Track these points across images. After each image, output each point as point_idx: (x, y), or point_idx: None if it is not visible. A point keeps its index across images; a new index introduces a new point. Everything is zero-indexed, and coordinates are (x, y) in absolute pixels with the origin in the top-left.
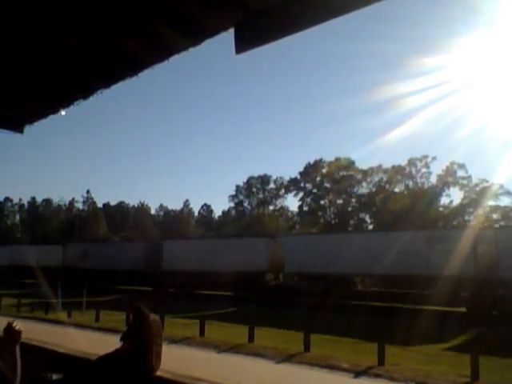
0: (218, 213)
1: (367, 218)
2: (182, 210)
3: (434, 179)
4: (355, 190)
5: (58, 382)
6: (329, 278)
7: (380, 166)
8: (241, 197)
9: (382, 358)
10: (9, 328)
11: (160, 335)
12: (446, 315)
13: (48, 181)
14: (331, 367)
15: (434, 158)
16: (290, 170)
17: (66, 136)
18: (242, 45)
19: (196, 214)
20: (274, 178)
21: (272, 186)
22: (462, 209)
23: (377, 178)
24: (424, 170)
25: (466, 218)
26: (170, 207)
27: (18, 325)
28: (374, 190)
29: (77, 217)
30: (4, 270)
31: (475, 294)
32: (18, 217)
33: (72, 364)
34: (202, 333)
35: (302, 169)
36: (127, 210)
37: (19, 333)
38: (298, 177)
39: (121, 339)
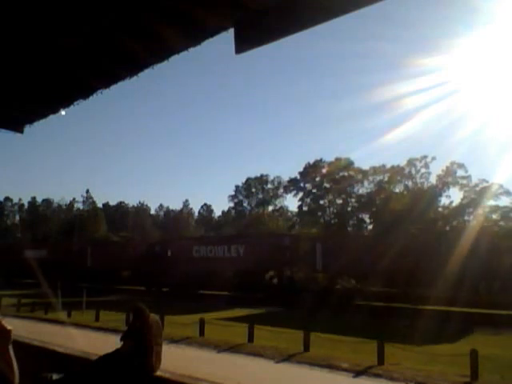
0: (217, 213)
1: (367, 218)
2: (182, 210)
3: (433, 179)
4: (355, 190)
5: (58, 382)
6: None
7: (380, 166)
8: (240, 197)
9: (382, 358)
10: None
11: (160, 335)
12: None
13: (48, 181)
14: (331, 367)
15: (433, 158)
16: (290, 170)
17: (66, 136)
18: (242, 45)
19: (196, 214)
20: (271, 178)
21: (270, 186)
22: (462, 209)
23: (376, 178)
24: (423, 170)
25: (466, 218)
26: (170, 207)
27: (6, 323)
28: (373, 190)
29: (77, 217)
30: None
31: None
32: (17, 217)
33: (72, 364)
34: (201, 333)
35: (301, 169)
36: (127, 210)
37: (9, 331)
38: (298, 177)
39: (121, 339)
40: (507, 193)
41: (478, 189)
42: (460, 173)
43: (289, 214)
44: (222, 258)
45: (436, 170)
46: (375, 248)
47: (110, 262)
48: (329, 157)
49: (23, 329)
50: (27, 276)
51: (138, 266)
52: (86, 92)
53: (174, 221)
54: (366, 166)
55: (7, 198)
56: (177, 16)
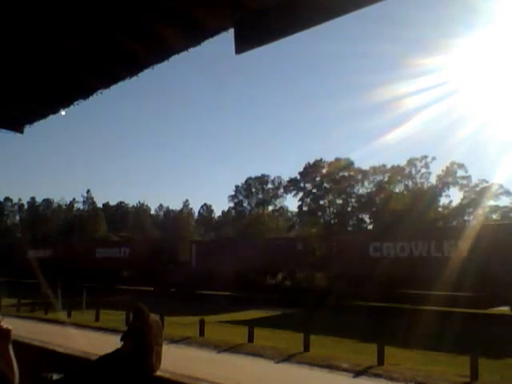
0: (218, 213)
1: (366, 218)
2: (182, 210)
3: (433, 179)
4: (355, 190)
5: (58, 382)
6: None
7: (380, 166)
8: (240, 197)
9: (382, 358)
10: None
11: (160, 335)
12: None
13: (48, 181)
14: (331, 367)
15: (433, 158)
16: (290, 170)
17: (66, 136)
18: (242, 45)
19: (196, 214)
20: (271, 178)
21: (270, 186)
22: (462, 209)
23: (376, 178)
24: (424, 170)
25: (466, 218)
26: (170, 207)
27: (6, 323)
28: (373, 190)
29: (77, 217)
30: None
31: None
32: (17, 217)
33: (72, 364)
34: (201, 333)
35: (301, 169)
36: (127, 210)
37: (9, 331)
38: (298, 177)
39: (121, 339)
40: (507, 193)
41: (478, 189)
42: (460, 173)
43: (289, 214)
44: (426, 259)
45: (436, 170)
46: None
47: (231, 262)
48: (329, 157)
49: (23, 329)
50: (102, 280)
51: (262, 268)
52: (85, 92)
53: (173, 221)
54: (365, 166)
55: (7, 198)
56: (177, 16)
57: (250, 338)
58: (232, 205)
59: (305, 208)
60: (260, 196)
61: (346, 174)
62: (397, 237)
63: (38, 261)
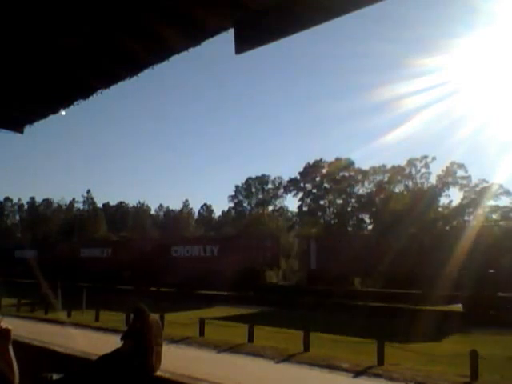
0: (218, 213)
1: (366, 219)
2: (182, 210)
3: (433, 179)
4: (355, 190)
5: (58, 382)
6: None
7: (380, 167)
8: (240, 197)
9: (382, 358)
10: None
11: (160, 335)
12: None
13: (48, 181)
14: (331, 367)
15: (433, 158)
16: (290, 170)
17: (66, 136)
18: (242, 45)
19: (196, 214)
20: (272, 178)
21: (270, 186)
22: (462, 209)
23: (376, 178)
24: (424, 170)
25: (466, 218)
26: (170, 207)
27: (6, 323)
28: (373, 190)
29: (77, 217)
30: None
31: None
32: (17, 217)
33: (72, 364)
34: (201, 333)
35: (301, 169)
36: (127, 210)
37: (8, 331)
38: (298, 177)
39: (121, 339)
40: (507, 193)
41: (478, 189)
42: (460, 173)
43: (289, 214)
44: None
45: (436, 170)
46: None
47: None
48: (329, 157)
49: (23, 329)
50: (182, 285)
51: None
52: (85, 92)
53: (174, 221)
54: (366, 166)
55: (7, 198)
56: (177, 16)
57: (250, 338)
58: (232, 205)
59: (305, 208)
60: (260, 196)
61: (346, 174)
62: None
63: (94, 261)
